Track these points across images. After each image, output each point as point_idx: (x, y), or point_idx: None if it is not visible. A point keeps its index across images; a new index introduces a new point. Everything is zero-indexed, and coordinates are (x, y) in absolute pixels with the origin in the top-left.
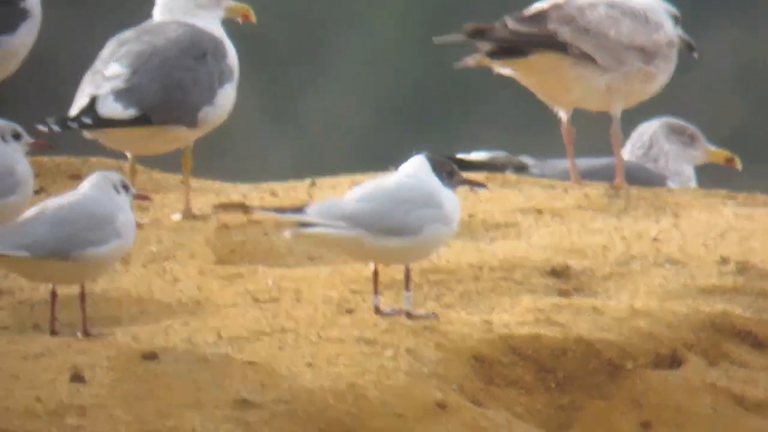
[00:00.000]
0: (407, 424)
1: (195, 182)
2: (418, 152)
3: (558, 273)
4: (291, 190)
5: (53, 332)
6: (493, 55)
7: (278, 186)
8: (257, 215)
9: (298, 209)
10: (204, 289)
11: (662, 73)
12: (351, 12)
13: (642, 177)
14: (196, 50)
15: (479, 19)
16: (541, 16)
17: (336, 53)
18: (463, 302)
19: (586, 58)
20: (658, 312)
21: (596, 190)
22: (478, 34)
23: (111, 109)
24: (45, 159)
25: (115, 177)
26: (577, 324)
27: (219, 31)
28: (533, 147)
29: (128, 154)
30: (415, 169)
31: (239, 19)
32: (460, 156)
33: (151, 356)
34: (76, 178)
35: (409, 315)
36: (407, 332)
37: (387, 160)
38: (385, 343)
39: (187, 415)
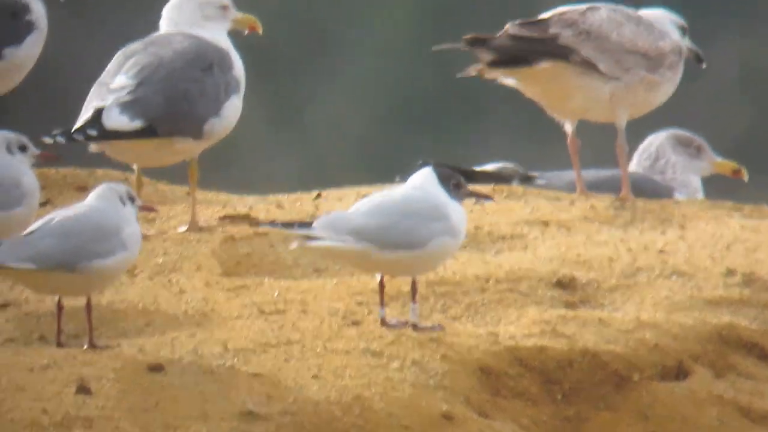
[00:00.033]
0: None
1: (201, 194)
2: (425, 163)
3: (564, 285)
4: (297, 202)
5: (59, 344)
6: (494, 64)
7: (284, 198)
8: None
9: (306, 223)
10: (210, 300)
11: (667, 83)
12: (356, 22)
13: (649, 189)
14: (203, 62)
15: (482, 23)
16: (542, 21)
17: (342, 64)
18: (469, 314)
19: (589, 66)
20: (665, 324)
21: (602, 202)
22: (478, 42)
23: (117, 121)
24: (51, 171)
25: (122, 189)
26: (583, 336)
27: (225, 43)
28: (540, 156)
29: (134, 166)
30: (422, 181)
31: (246, 31)
32: (466, 168)
33: (157, 368)
34: (83, 190)
35: (415, 327)
36: (413, 344)
37: (394, 170)
38: (392, 355)
39: (193, 427)
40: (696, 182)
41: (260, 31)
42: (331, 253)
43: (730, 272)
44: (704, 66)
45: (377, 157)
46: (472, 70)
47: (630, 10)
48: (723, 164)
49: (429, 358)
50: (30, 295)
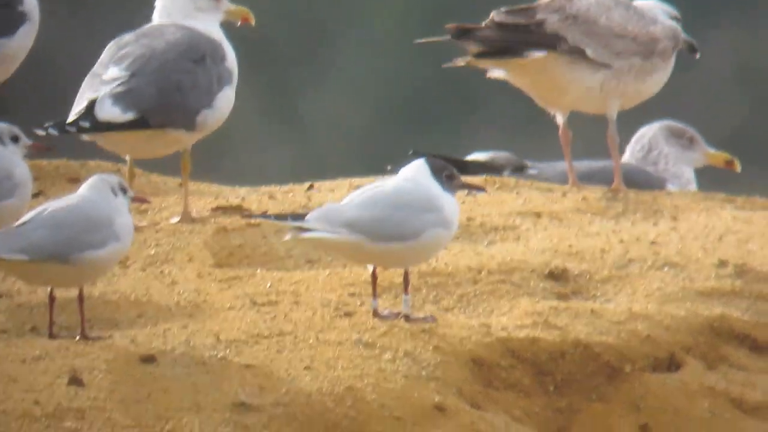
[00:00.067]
0: (406, 427)
1: (193, 185)
2: (417, 154)
3: (556, 276)
4: (289, 193)
5: (51, 335)
6: (481, 55)
7: (276, 189)
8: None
9: (299, 215)
10: (202, 292)
11: (659, 72)
12: (350, 14)
13: (641, 180)
14: (195, 53)
15: (481, 20)
16: (529, 8)
17: (335, 55)
18: (461, 305)
19: (578, 54)
20: (657, 315)
21: (594, 193)
22: (463, 33)
23: (109, 112)
24: (44, 162)
25: (114, 180)
26: (576, 327)
27: (218, 34)
28: (533, 147)
29: (127, 157)
30: (415, 172)
31: (238, 22)
32: (457, 158)
33: (149, 359)
34: (75, 181)
35: (407, 318)
36: (405, 335)
37: (386, 161)
38: (384, 346)
39: (185, 418)
40: (689, 173)
41: (253, 22)
42: (325, 245)
43: (722, 263)
44: (698, 56)
45: (370, 148)
46: (460, 61)
47: None
48: (716, 155)
49: (421, 349)
50: (22, 286)
